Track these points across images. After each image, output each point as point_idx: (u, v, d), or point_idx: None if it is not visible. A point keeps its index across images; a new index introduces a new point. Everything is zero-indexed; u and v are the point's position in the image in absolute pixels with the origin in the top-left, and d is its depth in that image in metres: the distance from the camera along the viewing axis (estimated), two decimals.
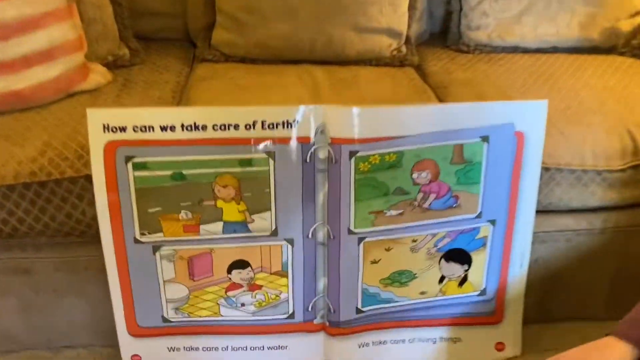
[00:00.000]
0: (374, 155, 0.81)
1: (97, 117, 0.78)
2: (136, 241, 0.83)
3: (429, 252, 0.88)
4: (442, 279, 0.90)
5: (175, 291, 0.87)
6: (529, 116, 0.83)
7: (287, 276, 0.87)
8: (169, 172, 0.80)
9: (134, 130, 0.78)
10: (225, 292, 0.88)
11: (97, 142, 0.78)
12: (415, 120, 0.80)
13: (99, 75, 1.02)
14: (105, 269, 0.84)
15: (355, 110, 0.78)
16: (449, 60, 1.19)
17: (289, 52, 1.15)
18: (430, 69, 1.16)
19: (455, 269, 0.90)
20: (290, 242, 0.85)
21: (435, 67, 1.16)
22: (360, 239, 0.85)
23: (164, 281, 0.86)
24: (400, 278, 0.89)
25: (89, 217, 0.82)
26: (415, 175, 0.83)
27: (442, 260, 0.89)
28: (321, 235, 0.86)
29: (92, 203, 0.80)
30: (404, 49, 1.19)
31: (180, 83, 1.04)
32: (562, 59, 1.17)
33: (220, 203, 0.82)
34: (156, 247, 0.84)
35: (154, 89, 0.99)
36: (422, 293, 0.91)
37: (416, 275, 0.89)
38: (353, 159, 0.80)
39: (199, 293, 0.88)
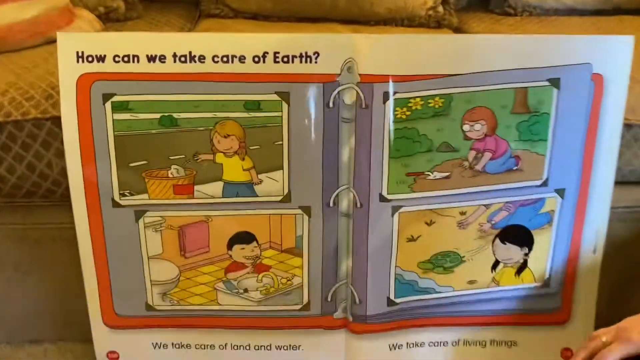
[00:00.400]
0: (414, 98, 0.64)
1: (69, 43, 0.62)
2: (115, 204, 0.67)
3: (481, 228, 0.70)
4: (495, 264, 0.72)
5: (162, 271, 0.70)
6: (611, 56, 0.66)
7: (301, 255, 0.70)
8: (156, 116, 0.64)
9: (115, 60, 0.62)
10: (225, 274, 0.71)
11: (68, 74, 0.62)
12: (467, 55, 0.63)
13: (85, 22, 0.87)
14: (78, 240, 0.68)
15: (392, 39, 0.62)
16: (493, 22, 1.03)
17: (308, 8, 1.00)
18: (473, 30, 0.99)
19: (512, 253, 0.72)
20: (307, 211, 0.68)
21: (477, 28, 1.00)
22: (395, 209, 0.68)
23: (149, 257, 0.69)
24: (444, 262, 0.71)
25: (57, 172, 0.66)
26: (466, 127, 0.66)
27: (497, 240, 0.71)
28: (345, 203, 0.69)
29: (61, 153, 0.64)
30: (440, 8, 1.04)
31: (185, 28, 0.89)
32: (627, 21, 1.01)
33: (220, 158, 0.66)
34: (139, 213, 0.67)
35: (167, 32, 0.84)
36: (471, 282, 0.73)
37: (464, 259, 0.72)
38: (388, 103, 0.64)
39: (192, 274, 0.70)
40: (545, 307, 0.74)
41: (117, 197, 0.66)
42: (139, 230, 0.68)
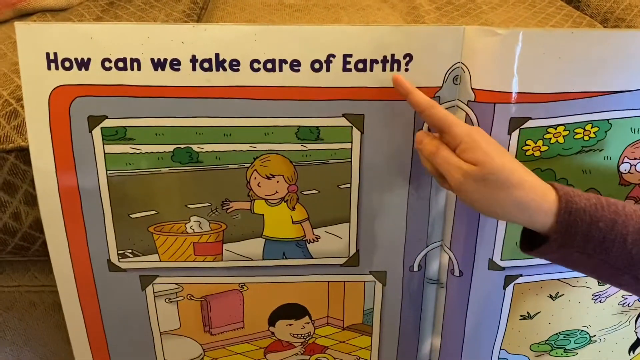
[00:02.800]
0: (556, 127, 0.43)
1: (34, 38, 0.41)
2: (112, 267, 0.47)
3: (625, 302, 0.51)
4: (636, 344, 0.53)
5: (180, 349, 0.51)
6: None
7: (370, 334, 0.51)
8: (168, 148, 0.44)
9: (105, 66, 0.41)
10: (264, 355, 0.52)
11: (36, 87, 0.42)
12: (632, 61, 0.42)
13: None
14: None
15: (526, 34, 0.40)
16: None
17: None
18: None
19: None
20: (381, 277, 0.49)
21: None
22: (510, 279, 0.48)
23: (162, 333, 0.51)
24: (567, 342, 0.52)
25: (29, 224, 0.46)
26: (625, 167, 0.45)
27: None
28: (435, 267, 0.49)
29: (32, 199, 0.45)
30: None
31: (199, 3, 0.67)
32: None
33: (260, 206, 0.46)
34: (147, 279, 0.48)
35: (157, 11, 0.61)
36: None
37: (594, 339, 0.52)
38: (516, 134, 0.43)
39: (220, 354, 0.52)
40: None
41: (114, 259, 0.47)
42: (146, 300, 0.49)
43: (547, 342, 0.51)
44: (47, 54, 0.41)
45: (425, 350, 0.52)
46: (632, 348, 0.53)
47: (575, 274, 0.48)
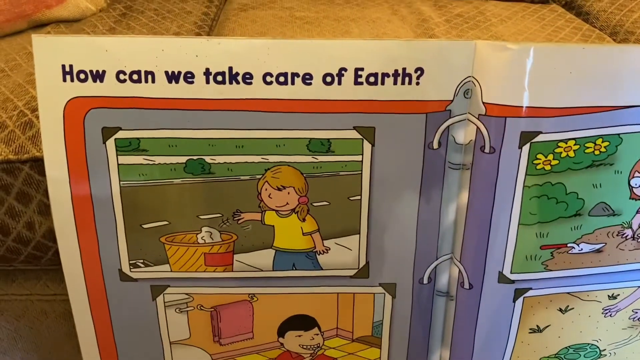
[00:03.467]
0: (567, 141, 0.43)
1: (51, 51, 0.42)
2: (124, 277, 0.48)
3: (635, 316, 0.50)
4: None
5: (189, 359, 0.52)
6: None
7: (379, 346, 0.51)
8: (181, 160, 0.44)
9: (119, 79, 0.42)
10: None
11: (51, 99, 0.42)
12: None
13: None
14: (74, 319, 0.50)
15: (538, 50, 0.41)
16: None
17: None
18: (593, 6, 0.76)
19: None
20: (391, 289, 0.49)
21: (599, 3, 0.76)
22: (520, 292, 0.48)
23: (171, 343, 0.51)
24: (577, 356, 0.52)
25: (42, 233, 0.47)
26: (636, 182, 0.45)
27: None
28: (445, 279, 0.49)
29: (46, 209, 0.46)
30: None
31: (210, 14, 0.68)
32: None
33: (271, 217, 0.46)
34: (158, 289, 0.49)
35: (169, 22, 0.62)
36: None
37: (604, 353, 0.52)
38: (527, 148, 0.43)
39: None
40: None
41: (126, 269, 0.47)
42: (157, 309, 0.49)
43: (557, 355, 0.51)
44: (63, 66, 0.42)
45: None
46: None
47: (586, 287, 0.48)
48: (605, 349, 0.51)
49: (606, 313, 0.49)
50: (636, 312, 0.50)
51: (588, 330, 0.50)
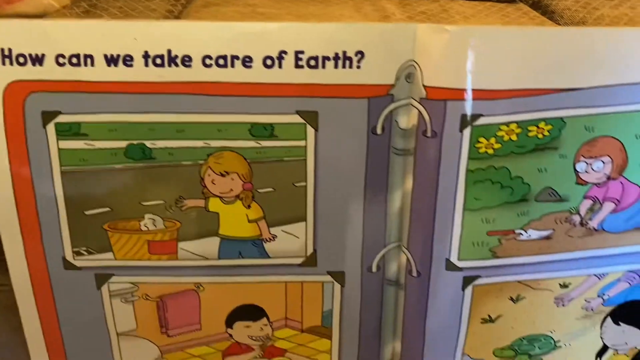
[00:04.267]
0: (508, 124, 0.43)
1: None
2: (67, 265, 0.47)
3: (588, 305, 0.50)
4: (602, 351, 0.52)
5: (137, 351, 0.51)
6: None
7: (330, 336, 0.50)
8: (122, 145, 0.44)
9: (59, 62, 0.42)
10: (223, 358, 0.51)
11: None
12: (589, 60, 0.42)
13: None
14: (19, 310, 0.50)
15: (476, 31, 0.41)
16: None
17: None
18: (558, 4, 0.76)
19: (628, 336, 0.51)
20: (339, 277, 0.48)
21: (565, 1, 0.76)
22: (469, 280, 0.47)
23: (118, 334, 0.50)
24: (531, 348, 0.51)
25: None
26: (581, 167, 0.44)
27: (608, 320, 0.50)
28: (394, 268, 0.48)
29: None
30: None
31: (175, 12, 0.68)
32: None
33: (215, 204, 0.46)
34: (102, 278, 0.48)
35: (134, 20, 0.62)
36: None
37: (559, 344, 0.51)
38: (468, 131, 0.42)
39: (178, 357, 0.51)
40: None
41: (69, 257, 0.46)
42: (102, 299, 0.48)
43: (511, 347, 0.50)
44: (2, 50, 0.41)
45: (388, 356, 0.51)
46: (599, 354, 0.52)
47: (536, 275, 0.47)
48: (560, 340, 0.50)
49: (558, 302, 0.49)
50: (589, 302, 0.49)
51: (541, 320, 0.49)
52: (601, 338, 0.51)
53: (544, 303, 0.49)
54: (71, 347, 0.50)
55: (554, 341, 0.51)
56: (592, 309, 0.49)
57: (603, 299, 0.49)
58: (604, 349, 0.52)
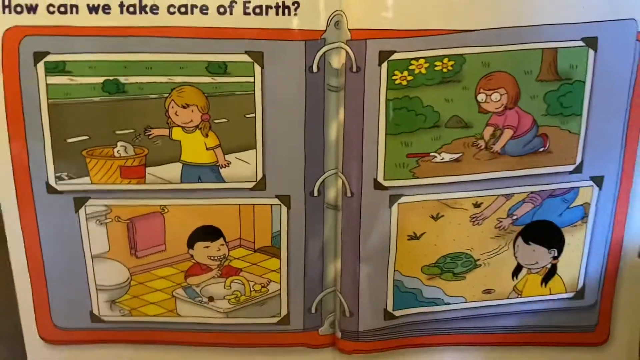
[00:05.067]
0: (417, 59, 0.52)
1: None
2: (50, 189, 0.54)
3: (500, 225, 0.58)
4: (517, 270, 0.59)
5: (109, 274, 0.58)
6: None
7: (279, 256, 0.58)
8: (99, 80, 0.52)
9: (49, 10, 0.51)
10: (185, 279, 0.58)
11: None
12: (483, 7, 0.51)
13: None
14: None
15: None
16: None
17: None
18: None
19: (538, 255, 0.59)
20: (285, 201, 0.56)
21: None
22: (394, 198, 0.55)
23: (93, 257, 0.57)
24: (454, 266, 0.58)
25: None
26: (481, 97, 0.54)
27: (519, 239, 0.58)
28: (333, 192, 0.56)
29: None
30: None
31: None
32: None
33: (178, 133, 0.54)
34: (80, 201, 0.55)
35: None
36: (487, 292, 0.59)
37: (479, 263, 0.59)
38: (385, 65, 0.52)
39: (145, 278, 0.58)
40: (579, 324, 0.61)
41: (52, 181, 0.54)
42: (79, 222, 0.55)
43: (436, 264, 0.58)
44: (2, 1, 0.51)
45: (330, 275, 0.58)
46: (515, 273, 0.59)
47: (451, 195, 0.56)
48: (479, 259, 0.58)
49: (474, 221, 0.57)
50: (500, 221, 0.57)
51: (460, 238, 0.57)
52: (515, 257, 0.59)
53: (461, 222, 0.56)
54: (50, 271, 0.57)
55: (474, 259, 0.58)
56: (504, 228, 0.57)
57: (512, 219, 0.57)
58: (519, 267, 0.59)
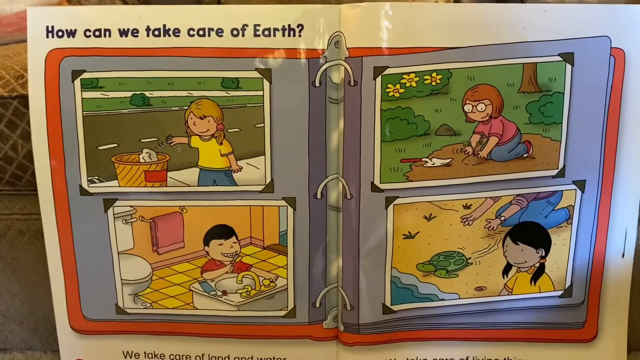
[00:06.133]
0: (408, 74, 0.58)
1: (39, 17, 0.59)
2: (83, 192, 0.61)
3: (489, 225, 0.62)
4: (507, 268, 0.64)
5: (133, 269, 0.64)
6: (633, 28, 0.59)
7: (286, 253, 0.63)
8: (127, 94, 0.59)
9: (86, 35, 0.58)
10: (201, 274, 0.64)
11: (37, 50, 0.58)
12: (467, 26, 0.57)
13: None
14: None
15: (383, 7, 0.57)
16: None
17: None
18: None
19: (526, 255, 0.63)
20: (292, 202, 0.62)
21: None
22: (390, 200, 0.61)
23: (119, 253, 0.63)
24: (447, 264, 0.63)
25: (23, 155, 0.61)
26: (468, 108, 0.59)
27: (508, 239, 0.63)
28: (335, 195, 0.62)
29: (27, 135, 0.60)
30: None
31: None
32: None
33: (196, 141, 0.61)
34: (108, 202, 0.62)
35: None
36: (479, 289, 0.64)
37: (470, 261, 0.63)
38: (379, 79, 0.58)
39: (166, 273, 0.64)
40: (568, 321, 0.65)
41: (85, 184, 0.61)
42: (108, 221, 0.62)
43: (430, 262, 0.62)
44: (47, 27, 0.58)
45: (333, 271, 0.63)
46: (505, 271, 0.63)
47: (443, 197, 0.61)
48: (470, 257, 0.62)
49: (464, 222, 0.61)
50: (490, 222, 0.62)
51: (452, 238, 0.62)
52: (505, 256, 0.63)
53: (452, 222, 0.61)
54: (81, 265, 0.63)
55: (466, 258, 0.62)
56: (492, 228, 0.62)
57: (501, 220, 0.61)
58: (509, 267, 0.63)
